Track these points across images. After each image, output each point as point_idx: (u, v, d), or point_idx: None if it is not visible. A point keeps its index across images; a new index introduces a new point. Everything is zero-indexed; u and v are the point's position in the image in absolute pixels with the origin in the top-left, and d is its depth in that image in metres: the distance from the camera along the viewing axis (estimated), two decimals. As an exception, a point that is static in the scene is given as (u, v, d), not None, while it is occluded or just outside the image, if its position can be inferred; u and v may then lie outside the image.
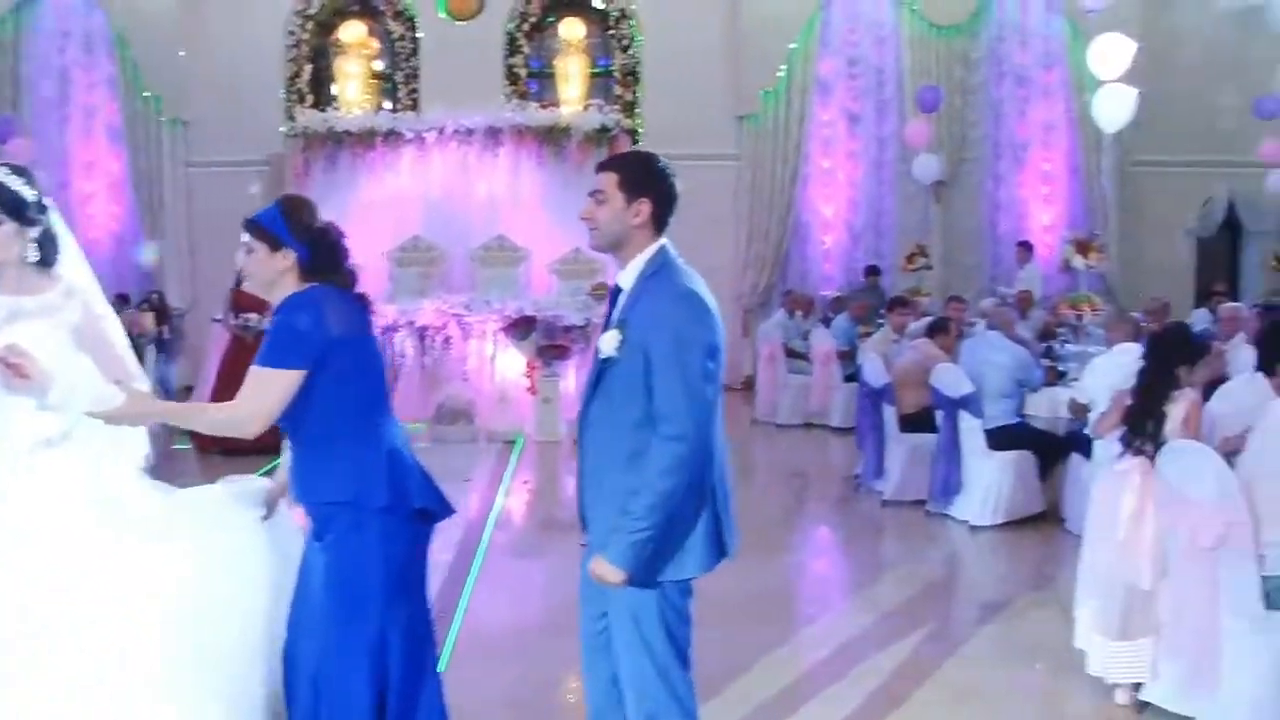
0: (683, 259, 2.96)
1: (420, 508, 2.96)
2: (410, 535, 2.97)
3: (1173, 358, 4.40)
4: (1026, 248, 13.18)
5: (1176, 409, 4.27)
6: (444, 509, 3.06)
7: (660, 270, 2.89)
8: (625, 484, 2.73)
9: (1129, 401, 4.47)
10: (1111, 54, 7.88)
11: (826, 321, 11.94)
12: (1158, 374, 4.39)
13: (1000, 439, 6.97)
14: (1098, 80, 8.29)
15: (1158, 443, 4.23)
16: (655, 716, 2.81)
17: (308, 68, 13.98)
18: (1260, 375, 4.55)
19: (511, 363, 10.44)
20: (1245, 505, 3.75)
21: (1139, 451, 4.29)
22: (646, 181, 2.90)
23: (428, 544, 3.08)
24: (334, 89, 13.68)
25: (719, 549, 2.86)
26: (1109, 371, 5.86)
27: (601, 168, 2.96)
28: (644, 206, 2.87)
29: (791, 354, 11.29)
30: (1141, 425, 4.32)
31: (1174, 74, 13.67)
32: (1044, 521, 7.05)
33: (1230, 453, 4.16)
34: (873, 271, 13.32)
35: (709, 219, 13.64)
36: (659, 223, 2.92)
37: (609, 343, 2.82)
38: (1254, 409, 4.30)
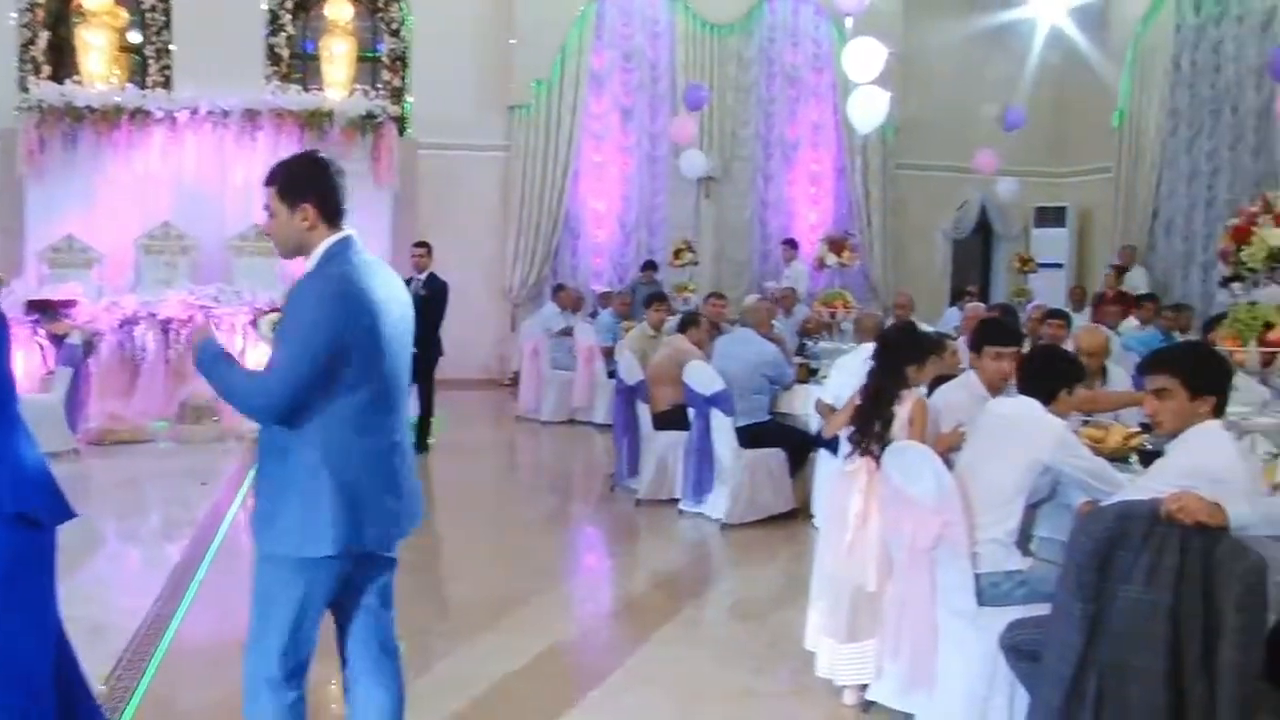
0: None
1: (18, 512, 2.72)
2: (7, 541, 2.71)
3: (900, 357, 4.40)
4: (791, 245, 13.42)
5: (903, 409, 4.28)
6: (54, 516, 2.84)
7: (328, 260, 2.90)
8: (275, 475, 2.89)
9: (858, 402, 4.45)
10: (864, 58, 8.02)
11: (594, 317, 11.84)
12: (886, 374, 4.38)
13: (751, 437, 6.96)
14: (855, 83, 8.42)
15: (884, 443, 4.22)
16: (250, 678, 2.96)
17: (44, 35, 12.86)
18: (973, 373, 4.62)
19: (262, 357, 9.84)
20: (960, 505, 3.75)
21: (866, 452, 4.28)
22: (305, 186, 2.93)
23: (43, 554, 2.85)
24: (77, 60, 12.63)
25: (346, 538, 2.87)
26: (855, 370, 5.88)
27: (265, 182, 2.97)
28: (308, 210, 2.92)
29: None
30: (869, 425, 4.30)
31: (933, 82, 14.24)
32: (794, 520, 7.09)
33: (947, 450, 4.19)
34: (649, 266, 13.28)
35: (478, 211, 13.37)
36: (330, 218, 2.95)
37: (265, 327, 2.94)
38: (968, 406, 4.34)
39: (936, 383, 5.32)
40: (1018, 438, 3.84)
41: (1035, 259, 13.96)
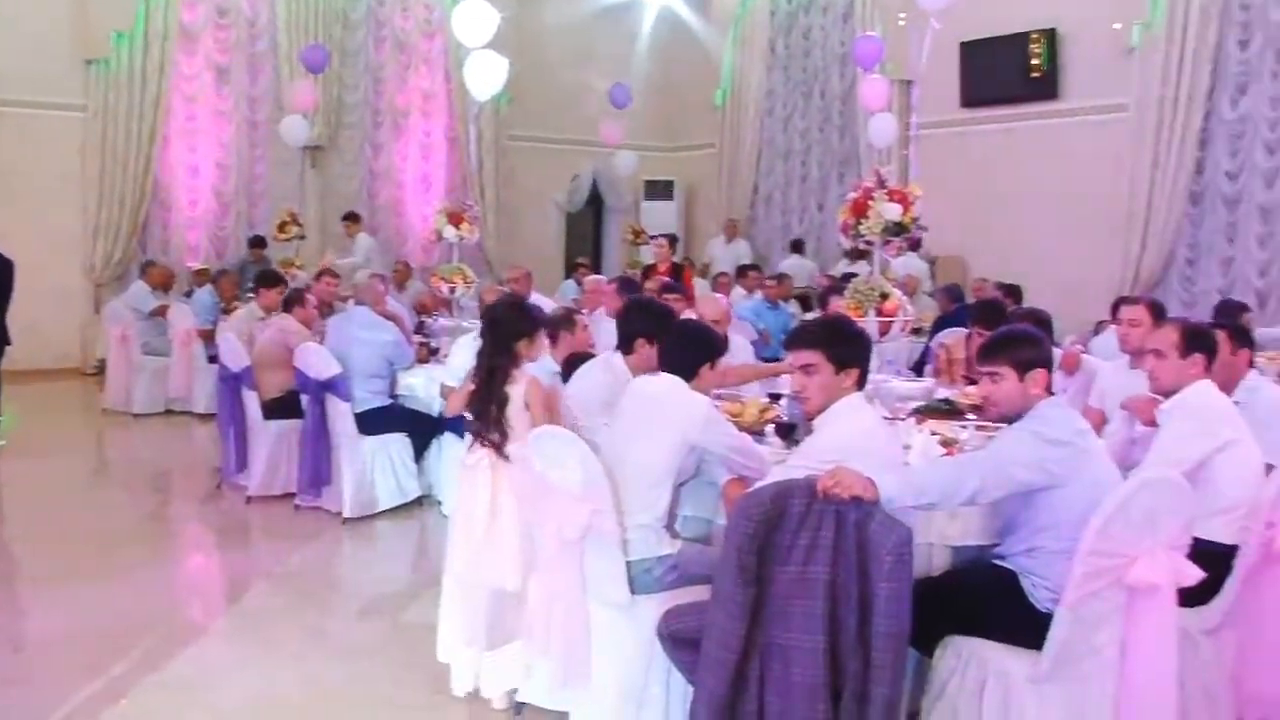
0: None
1: None
2: None
3: (509, 332, 4.12)
4: (353, 219, 12.71)
5: (517, 389, 4.02)
6: None
7: None
8: None
9: (472, 385, 4.14)
10: (476, 21, 7.69)
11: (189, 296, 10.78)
12: (496, 352, 4.10)
13: (372, 422, 6.50)
14: (468, 49, 8.07)
15: (503, 429, 3.96)
16: None
17: None
18: (618, 354, 4.45)
19: None
20: (609, 491, 3.54)
21: (487, 442, 3.99)
22: None
23: None
24: None
25: None
26: (474, 348, 5.58)
27: None
28: None
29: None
30: (486, 409, 4.01)
31: (545, 55, 14.18)
32: (421, 507, 6.74)
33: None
34: (257, 243, 12.26)
35: (53, 178, 11.83)
36: None
37: None
38: (612, 386, 4.15)
39: (573, 361, 5.14)
40: (664, 418, 3.69)
41: (646, 231, 14.30)
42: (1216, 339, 4.05)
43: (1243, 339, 4.64)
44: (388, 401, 6.73)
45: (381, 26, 14.06)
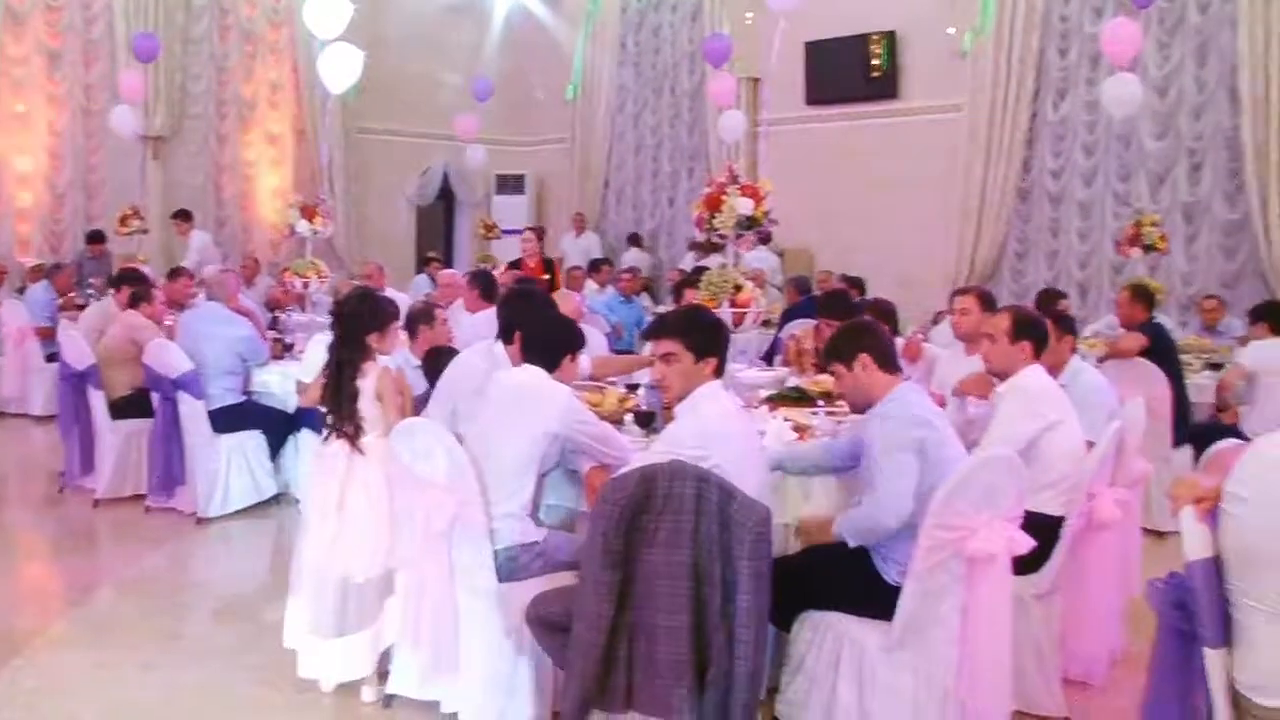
0: None
1: None
2: None
3: (359, 326, 4.14)
4: (184, 216, 12.11)
5: (368, 382, 4.06)
6: None
7: None
8: None
9: (323, 379, 4.16)
10: (328, 13, 7.59)
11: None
12: (346, 345, 4.12)
13: (226, 420, 6.38)
14: (321, 40, 7.96)
15: (357, 422, 4.00)
16: None
17: None
18: (499, 343, 4.51)
19: None
20: (475, 481, 3.61)
21: (341, 434, 4.01)
22: None
23: None
24: None
25: None
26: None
27: None
28: None
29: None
30: (338, 402, 4.04)
31: (395, 48, 14.02)
32: (278, 505, 6.64)
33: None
34: (96, 238, 11.71)
35: None
36: None
37: None
38: (490, 374, 4.20)
39: (433, 355, 5.17)
40: (526, 408, 3.77)
41: (499, 225, 14.28)
42: (1046, 327, 4.36)
43: (1066, 326, 5.00)
44: (242, 399, 6.60)
45: (226, 14, 13.68)
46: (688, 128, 14.55)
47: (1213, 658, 2.60)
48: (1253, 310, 7.39)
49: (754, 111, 12.81)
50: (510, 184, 16.00)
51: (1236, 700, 2.60)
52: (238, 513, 6.44)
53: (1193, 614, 2.62)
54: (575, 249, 13.98)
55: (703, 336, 3.54)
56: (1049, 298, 7.56)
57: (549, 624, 3.37)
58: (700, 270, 8.50)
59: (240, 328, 6.60)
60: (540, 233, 10.29)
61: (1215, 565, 2.62)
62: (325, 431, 4.09)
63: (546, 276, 9.31)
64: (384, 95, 13.96)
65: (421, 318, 5.56)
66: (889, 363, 3.67)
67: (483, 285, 7.02)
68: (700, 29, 13.97)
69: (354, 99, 13.52)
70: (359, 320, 4.14)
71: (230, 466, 6.40)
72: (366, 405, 4.03)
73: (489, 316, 6.52)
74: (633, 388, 5.22)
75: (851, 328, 3.90)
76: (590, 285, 10.96)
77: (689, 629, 2.99)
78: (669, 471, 3.03)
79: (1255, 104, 9.68)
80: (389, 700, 3.94)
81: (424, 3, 14.24)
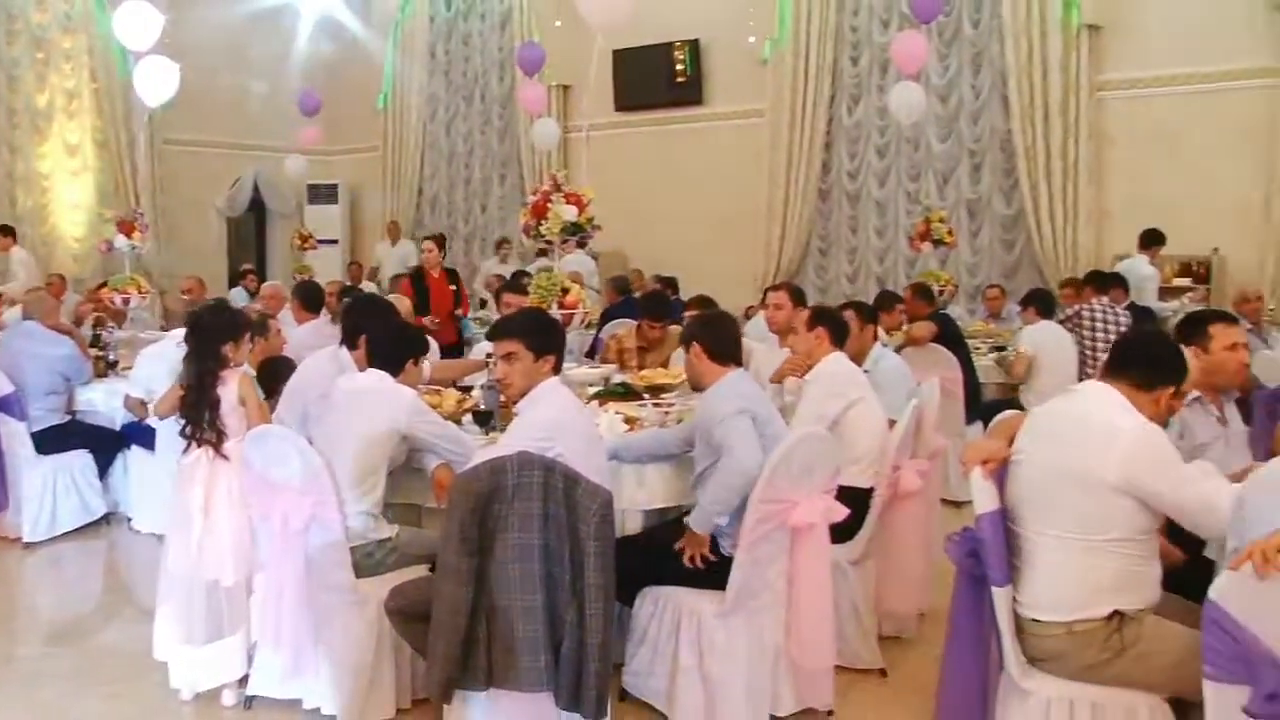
0: None
1: None
2: None
3: (214, 336, 4.26)
4: (8, 233, 11.55)
5: (228, 390, 4.18)
6: None
7: None
8: None
9: (180, 391, 4.26)
10: (139, 24, 7.50)
11: None
12: (203, 357, 4.23)
13: (50, 441, 6.26)
14: (128, 51, 7.84)
15: (218, 429, 4.11)
16: None
17: None
18: (344, 349, 4.65)
19: None
20: (329, 482, 3.77)
21: (202, 441, 4.11)
22: None
23: None
24: None
25: None
26: (166, 356, 5.57)
27: None
28: None
29: None
30: (198, 413, 4.14)
31: (202, 58, 13.67)
32: (109, 525, 6.55)
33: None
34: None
35: None
36: None
37: None
38: (336, 378, 4.34)
39: (268, 365, 5.24)
40: (374, 410, 3.95)
41: (314, 236, 14.15)
42: (840, 317, 4.88)
43: (870, 317, 5.49)
44: (66, 418, 6.48)
45: (14, 19, 13.07)
46: (499, 134, 14.75)
47: (999, 594, 3.06)
48: (1023, 298, 8.13)
49: (565, 118, 13.12)
50: (323, 193, 15.83)
51: (1020, 627, 3.07)
52: (67, 535, 6.31)
53: (983, 560, 3.07)
54: (391, 257, 13.96)
55: (541, 336, 3.81)
56: (887, 299, 7.78)
57: (407, 614, 3.56)
58: (520, 275, 8.76)
59: (61, 346, 6.47)
60: (440, 241, 10.14)
61: (1000, 516, 3.09)
62: (185, 443, 4.16)
63: (453, 286, 9.33)
64: (191, 105, 13.55)
65: (256, 328, 5.62)
66: (718, 354, 4.02)
67: (305, 296, 7.08)
68: (510, 37, 14.19)
69: (160, 109, 13.20)
70: (214, 332, 4.25)
71: (57, 488, 6.27)
72: (228, 411, 4.13)
73: (315, 327, 6.66)
74: (466, 389, 5.43)
75: (695, 319, 4.33)
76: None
77: (543, 607, 3.22)
78: (518, 462, 3.26)
79: (1023, 109, 10.58)
80: (249, 702, 4.05)
81: (229, 13, 13.94)
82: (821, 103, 11.83)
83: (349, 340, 4.62)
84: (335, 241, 15.57)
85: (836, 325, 4.75)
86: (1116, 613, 2.96)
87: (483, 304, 11.81)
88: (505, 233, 13.95)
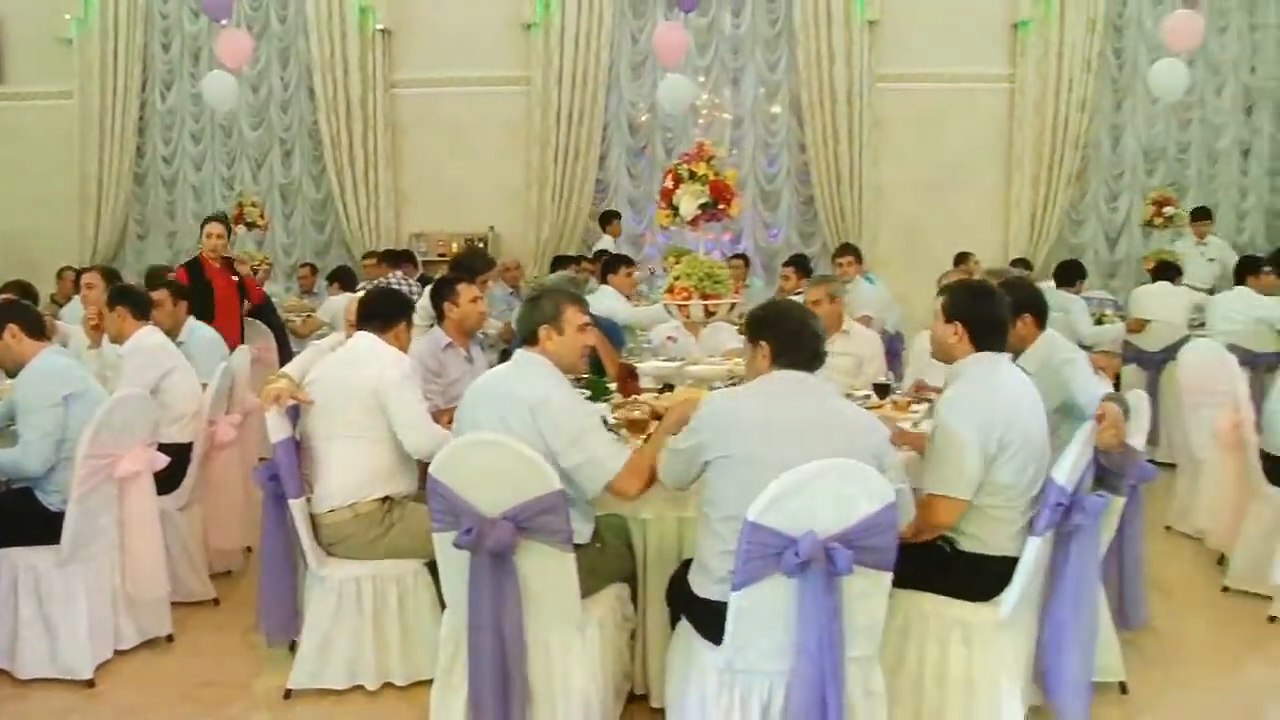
0: None
1: None
2: None
3: None
4: None
5: None
6: None
7: None
8: None
9: None
10: None
11: None
12: None
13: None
14: None
15: None
16: None
17: None
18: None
19: None
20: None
21: None
22: None
23: None
24: None
25: None
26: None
27: None
28: None
29: None
30: None
31: None
32: None
33: None
34: None
35: None
36: None
37: None
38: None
39: None
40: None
41: None
42: (141, 294, 5.40)
43: (181, 294, 6.10)
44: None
45: None
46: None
47: (294, 505, 3.93)
48: (329, 274, 9.31)
49: None
50: None
51: (318, 525, 3.99)
52: None
53: (281, 480, 3.92)
54: None
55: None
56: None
57: None
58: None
59: None
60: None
61: (292, 442, 3.98)
62: None
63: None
64: None
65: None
66: (34, 331, 4.41)
67: None
68: None
69: None
70: None
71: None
72: None
73: None
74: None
75: None
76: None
77: None
78: None
79: (328, 102, 11.58)
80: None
81: None
82: (133, 87, 11.82)
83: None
84: None
85: (138, 302, 5.25)
86: (388, 497, 4.00)
87: None
88: None
